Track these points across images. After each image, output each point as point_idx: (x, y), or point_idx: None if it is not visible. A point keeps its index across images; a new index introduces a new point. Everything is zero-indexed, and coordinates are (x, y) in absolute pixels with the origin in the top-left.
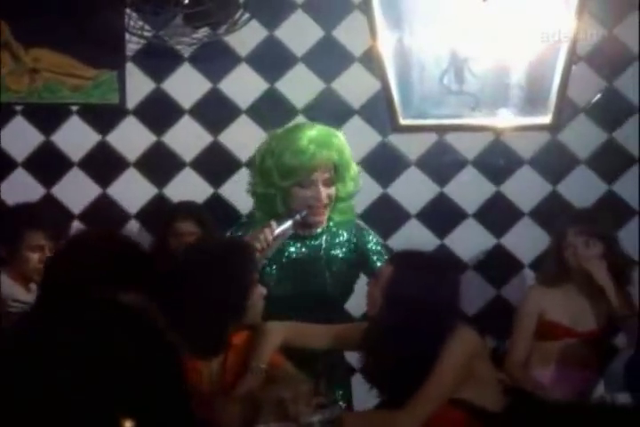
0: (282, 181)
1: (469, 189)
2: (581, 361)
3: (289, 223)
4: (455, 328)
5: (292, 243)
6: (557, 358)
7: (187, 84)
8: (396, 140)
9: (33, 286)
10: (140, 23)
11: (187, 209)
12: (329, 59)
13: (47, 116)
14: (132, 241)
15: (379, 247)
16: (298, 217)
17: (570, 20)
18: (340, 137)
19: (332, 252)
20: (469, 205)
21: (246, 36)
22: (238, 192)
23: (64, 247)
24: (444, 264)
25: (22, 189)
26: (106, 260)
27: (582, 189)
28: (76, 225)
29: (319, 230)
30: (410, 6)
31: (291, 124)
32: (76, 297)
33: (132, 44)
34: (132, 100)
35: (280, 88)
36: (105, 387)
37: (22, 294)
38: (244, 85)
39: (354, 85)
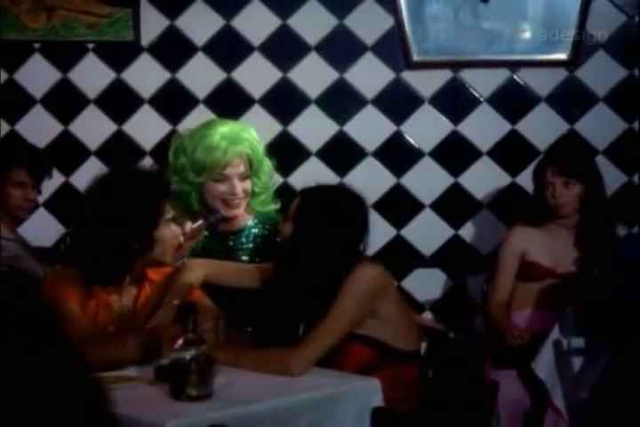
0: (196, 177)
1: (484, 127)
2: (559, 303)
3: (199, 223)
4: (358, 262)
5: (216, 240)
6: (536, 299)
7: (200, 21)
8: (409, 76)
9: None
10: None
11: None
12: None
13: (64, 54)
14: None
15: None
16: (212, 219)
17: None
18: (252, 132)
19: (252, 246)
20: (484, 143)
21: None
22: None
23: None
24: (351, 198)
25: (40, 125)
26: None
27: (601, 127)
28: (92, 161)
29: (242, 225)
30: None
31: (303, 61)
32: None
33: None
34: (147, 38)
35: (292, 24)
36: None
37: (6, 232)
38: (256, 22)
39: (367, 21)
